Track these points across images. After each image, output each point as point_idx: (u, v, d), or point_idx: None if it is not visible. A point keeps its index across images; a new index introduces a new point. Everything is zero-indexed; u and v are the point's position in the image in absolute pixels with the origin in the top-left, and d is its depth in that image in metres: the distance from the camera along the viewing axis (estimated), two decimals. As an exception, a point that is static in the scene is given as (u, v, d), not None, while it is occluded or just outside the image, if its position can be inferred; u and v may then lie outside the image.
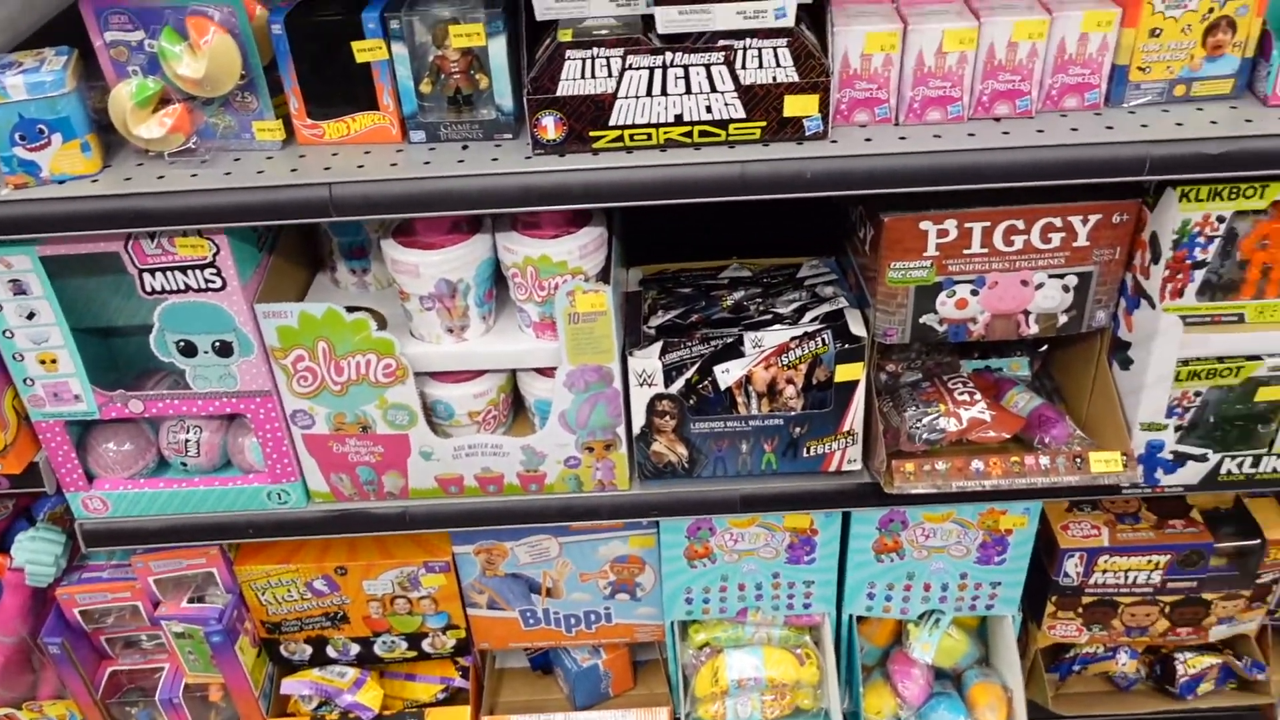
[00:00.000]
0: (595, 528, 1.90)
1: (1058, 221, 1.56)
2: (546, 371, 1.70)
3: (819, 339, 1.66)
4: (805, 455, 1.74)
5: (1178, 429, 1.66)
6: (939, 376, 1.83)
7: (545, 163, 1.45)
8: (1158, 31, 1.43)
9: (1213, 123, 1.44)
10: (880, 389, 1.84)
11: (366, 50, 1.44)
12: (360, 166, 1.46)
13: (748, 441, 1.73)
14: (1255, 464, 1.69)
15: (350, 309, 1.59)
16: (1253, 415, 1.66)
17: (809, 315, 1.72)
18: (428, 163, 1.46)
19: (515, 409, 1.82)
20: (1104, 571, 1.92)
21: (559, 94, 1.43)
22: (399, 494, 1.77)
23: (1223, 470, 1.70)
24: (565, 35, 1.42)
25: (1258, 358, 1.59)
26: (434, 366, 1.68)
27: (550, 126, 1.45)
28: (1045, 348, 1.90)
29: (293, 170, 1.47)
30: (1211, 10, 1.42)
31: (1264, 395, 1.63)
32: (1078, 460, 1.64)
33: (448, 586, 1.97)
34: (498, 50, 1.44)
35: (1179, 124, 1.44)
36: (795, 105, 1.43)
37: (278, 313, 1.58)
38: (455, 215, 1.59)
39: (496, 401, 1.74)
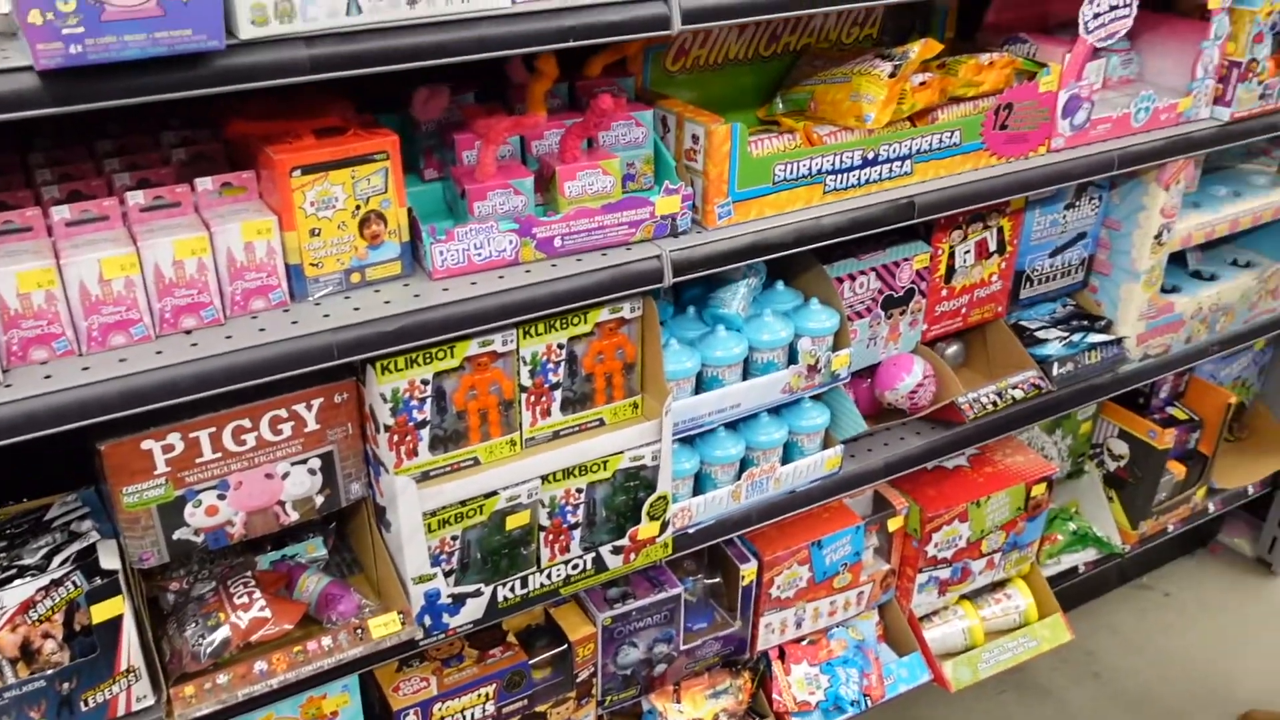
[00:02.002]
0: None
1: (283, 412, 1.63)
2: None
3: (69, 583, 1.55)
4: (85, 709, 1.60)
5: (449, 573, 1.79)
6: (227, 581, 1.80)
7: None
8: (317, 231, 1.56)
9: (386, 302, 1.60)
10: (168, 611, 1.77)
11: None
12: None
13: (10, 716, 1.55)
14: (525, 584, 1.87)
15: None
16: (511, 542, 1.84)
17: (59, 558, 1.61)
18: None
19: None
20: (443, 718, 2.00)
21: None
22: None
23: (500, 598, 1.85)
24: None
25: (495, 493, 1.78)
26: None
27: None
28: (334, 524, 1.96)
29: None
30: (359, 208, 1.58)
31: (513, 523, 1.82)
32: (359, 631, 1.70)
33: None
34: None
35: (357, 309, 1.58)
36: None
37: None
38: None
39: None
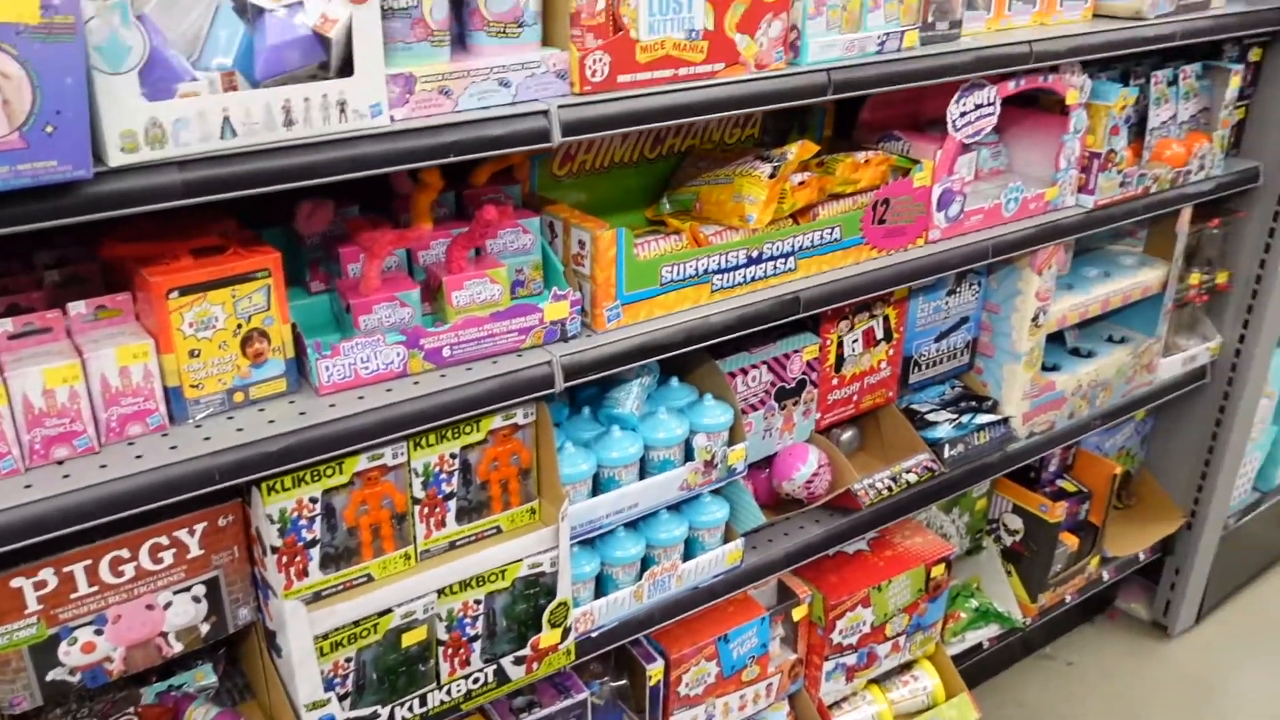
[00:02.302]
0: None
1: (164, 540, 1.57)
2: None
3: (-70, 735, 1.46)
4: None
5: (343, 697, 1.73)
6: (110, 717, 1.71)
7: None
8: (197, 352, 1.53)
9: (271, 421, 1.56)
10: (44, 755, 1.67)
11: None
12: None
13: None
14: (424, 702, 1.82)
15: None
16: (408, 660, 1.79)
17: (-80, 708, 1.52)
18: None
19: None
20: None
21: None
22: None
23: (398, 717, 1.80)
24: None
25: (389, 610, 1.73)
26: None
27: None
28: (224, 649, 1.89)
29: None
30: (240, 326, 1.55)
31: (410, 639, 1.77)
32: (248, 765, 1.63)
33: None
34: None
35: (240, 429, 1.54)
36: None
37: None
38: None
39: None
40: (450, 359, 1.71)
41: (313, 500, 1.63)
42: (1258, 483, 3.44)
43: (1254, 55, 2.68)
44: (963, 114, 2.13)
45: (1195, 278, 2.83)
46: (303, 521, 1.63)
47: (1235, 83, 2.59)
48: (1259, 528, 3.46)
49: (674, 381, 2.10)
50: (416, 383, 1.68)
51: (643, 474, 2.00)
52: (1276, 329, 2.96)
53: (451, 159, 1.53)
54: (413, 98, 1.49)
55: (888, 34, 1.94)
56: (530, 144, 1.59)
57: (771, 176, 1.94)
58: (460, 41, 1.62)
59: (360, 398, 1.63)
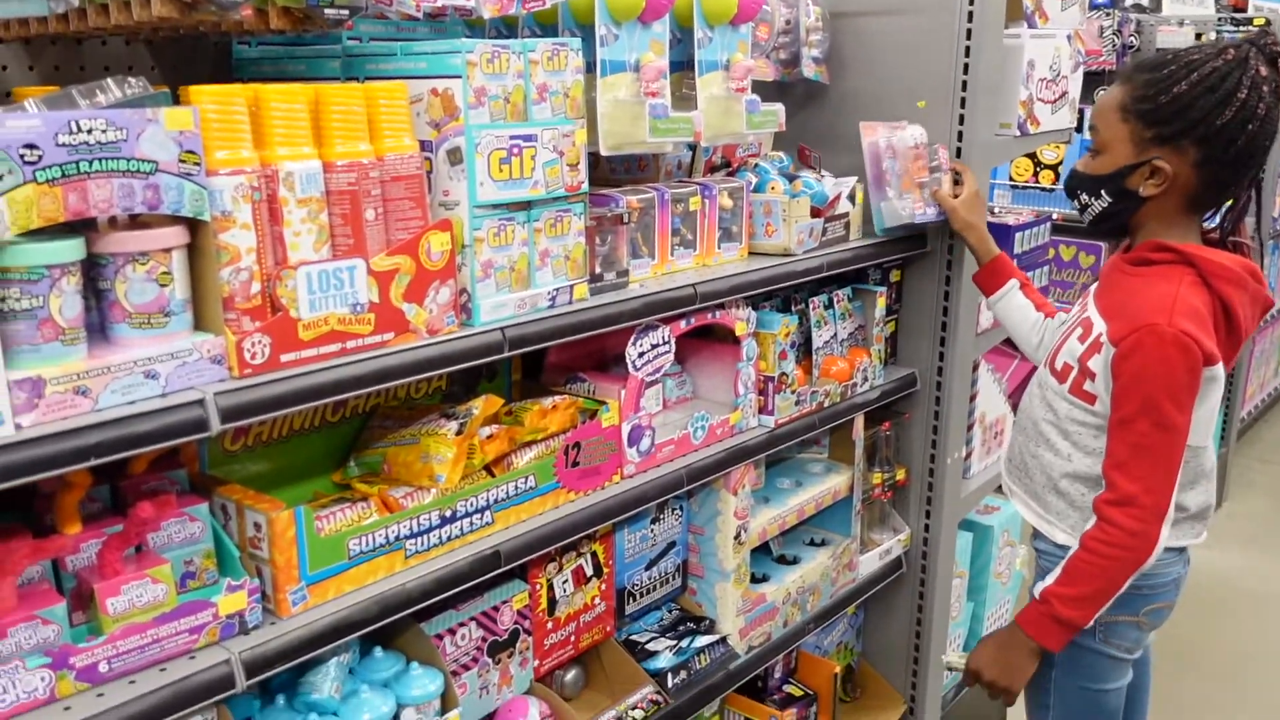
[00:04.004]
0: None
1: None
2: None
3: None
4: None
5: None
6: None
7: None
8: None
9: None
10: None
11: None
12: None
13: None
14: None
15: None
16: None
17: None
18: None
19: None
20: None
21: None
22: None
23: None
24: None
25: None
26: None
27: None
28: None
29: None
30: None
31: None
32: None
33: None
34: None
35: None
36: None
37: None
38: None
39: None
40: (109, 674, 1.54)
41: None
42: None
43: (894, 276, 3.00)
44: (641, 354, 2.22)
45: (878, 477, 3.03)
46: None
47: (882, 302, 2.87)
48: (972, 701, 3.64)
49: (377, 650, 1.98)
50: (68, 708, 1.49)
51: (348, 762, 1.85)
52: (955, 514, 3.21)
53: (94, 461, 1.41)
54: (43, 401, 1.38)
55: (557, 289, 2.01)
56: (187, 435, 1.50)
57: (458, 433, 1.92)
58: (102, 331, 1.53)
59: (-5, 737, 1.42)
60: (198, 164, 1.49)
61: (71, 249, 1.41)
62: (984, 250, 2.69)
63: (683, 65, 2.31)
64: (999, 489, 3.00)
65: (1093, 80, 5.00)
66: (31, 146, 1.32)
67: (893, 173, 2.71)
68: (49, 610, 1.51)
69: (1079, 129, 3.47)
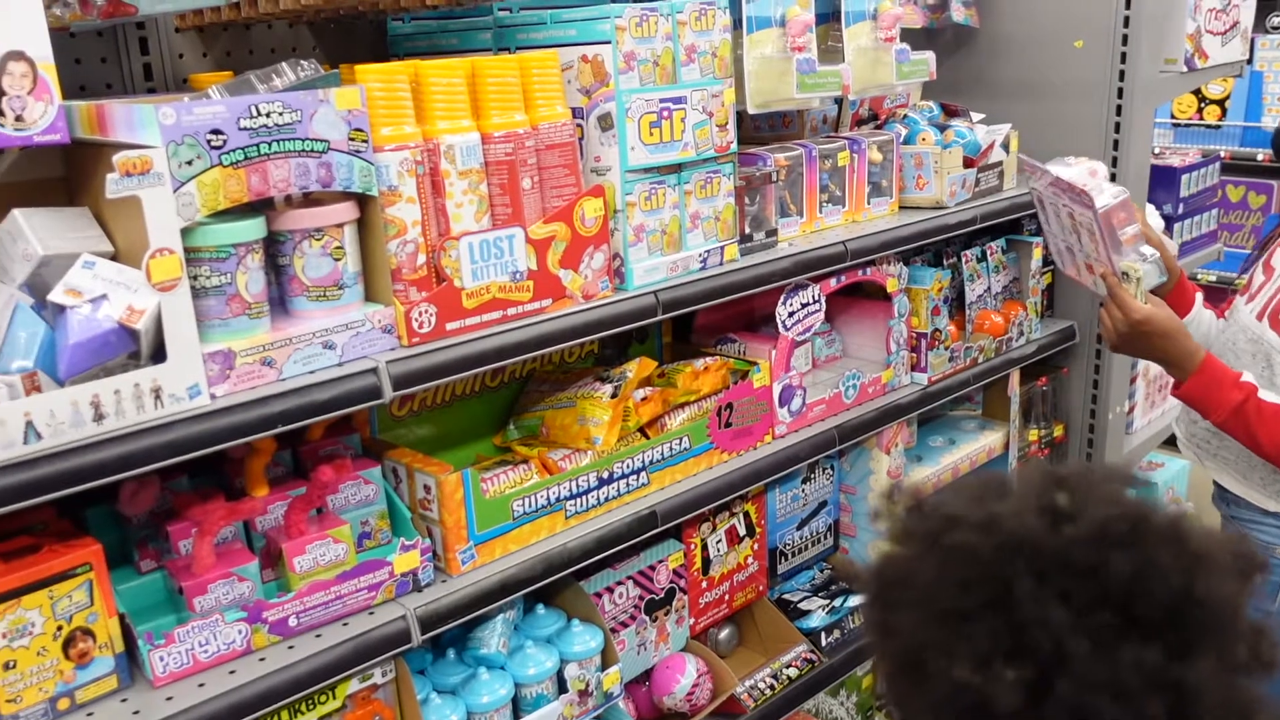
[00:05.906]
0: None
1: None
2: None
3: None
4: None
5: None
6: None
7: None
8: (13, 664, 1.41)
9: (103, 729, 1.45)
10: None
11: None
12: None
13: None
14: None
15: None
16: None
17: None
18: None
19: None
20: None
21: None
22: None
23: None
24: None
25: None
26: None
27: None
28: None
29: None
30: (61, 629, 1.45)
31: None
32: None
33: None
34: None
35: (52, 745, 1.42)
36: None
37: None
38: None
39: None
40: (298, 628, 1.63)
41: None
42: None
43: (1051, 225, 2.89)
44: (791, 314, 2.21)
45: (1034, 434, 2.95)
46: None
47: (1038, 253, 2.78)
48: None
49: (540, 608, 2.04)
50: (263, 659, 1.59)
51: (516, 712, 1.92)
52: (1117, 472, 3.10)
53: (282, 429, 1.49)
54: (233, 373, 1.46)
55: (708, 251, 2.02)
56: (362, 402, 1.57)
57: (613, 396, 1.95)
58: (282, 305, 1.61)
59: (201, 685, 1.53)
60: (365, 141, 1.55)
61: (255, 227, 1.49)
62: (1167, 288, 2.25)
63: (828, 17, 2.27)
64: (1165, 443, 2.89)
65: (1266, 5, 4.69)
66: (217, 132, 1.39)
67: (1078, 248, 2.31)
68: (244, 568, 1.61)
69: (1250, 60, 3.26)
